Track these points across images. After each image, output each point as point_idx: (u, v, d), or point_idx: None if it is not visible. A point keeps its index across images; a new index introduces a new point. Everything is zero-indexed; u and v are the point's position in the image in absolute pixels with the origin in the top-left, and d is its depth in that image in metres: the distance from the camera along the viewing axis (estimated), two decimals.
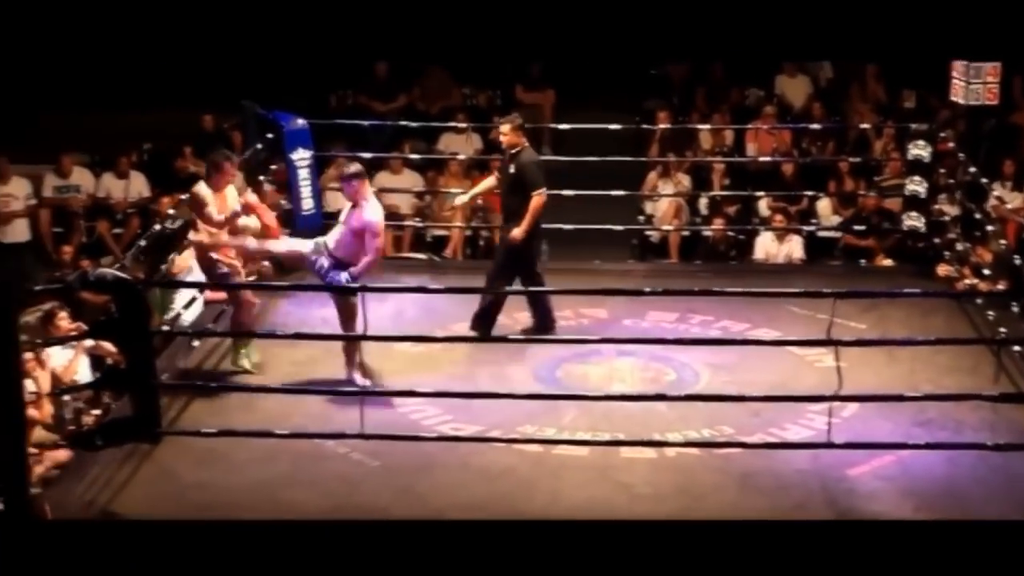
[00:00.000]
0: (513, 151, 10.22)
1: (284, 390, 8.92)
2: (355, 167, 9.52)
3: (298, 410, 8.87)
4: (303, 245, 9.61)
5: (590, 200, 12.34)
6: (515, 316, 10.46)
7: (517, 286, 10.21)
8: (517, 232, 10.07)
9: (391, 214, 13.90)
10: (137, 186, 14.26)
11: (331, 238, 9.43)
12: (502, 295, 10.12)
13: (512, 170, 10.20)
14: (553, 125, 14.38)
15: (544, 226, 10.45)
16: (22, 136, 14.72)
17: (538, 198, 10.06)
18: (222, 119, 13.90)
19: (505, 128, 10.28)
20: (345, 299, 9.21)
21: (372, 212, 9.32)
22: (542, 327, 10.25)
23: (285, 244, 9.88)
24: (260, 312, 10.24)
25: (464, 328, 10.26)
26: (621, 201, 13.08)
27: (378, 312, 9.70)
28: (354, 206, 9.41)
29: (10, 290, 7.90)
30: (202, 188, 9.64)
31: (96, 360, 10.33)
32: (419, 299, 10.65)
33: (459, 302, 10.57)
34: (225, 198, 9.71)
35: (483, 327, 10.13)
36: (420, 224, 13.93)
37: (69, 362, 9.96)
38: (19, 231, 13.76)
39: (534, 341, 10.02)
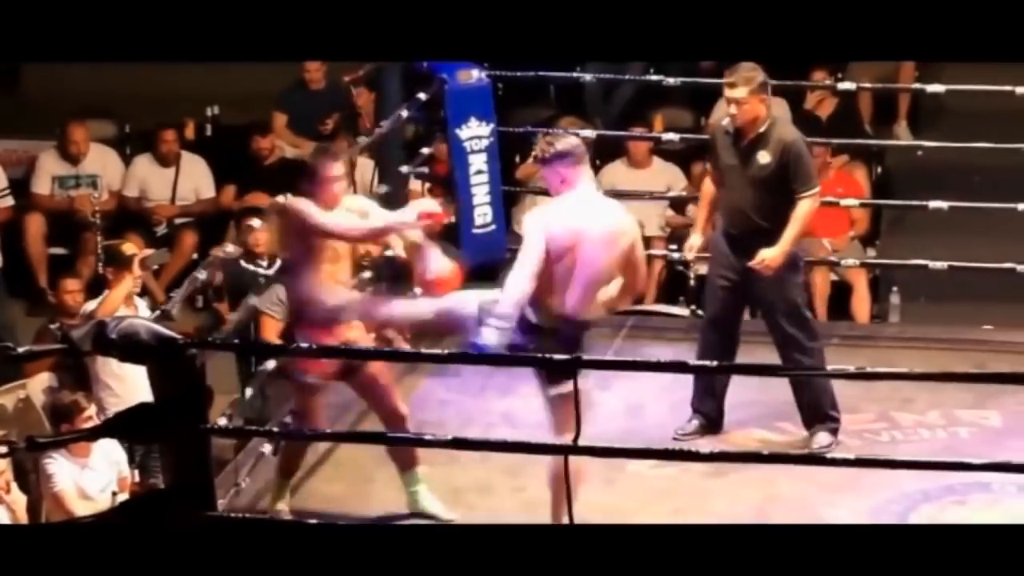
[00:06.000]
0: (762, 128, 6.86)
1: None
2: (567, 143, 6.12)
3: None
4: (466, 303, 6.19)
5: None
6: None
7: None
8: (773, 254, 6.76)
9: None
10: None
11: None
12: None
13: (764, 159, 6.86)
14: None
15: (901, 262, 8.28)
16: None
17: (811, 200, 6.91)
18: (337, 70, 9.50)
19: (740, 93, 6.70)
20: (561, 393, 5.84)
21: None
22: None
23: (434, 304, 6.31)
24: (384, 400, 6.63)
25: (753, 432, 6.98)
26: None
27: (604, 405, 6.48)
28: None
29: None
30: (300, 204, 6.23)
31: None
32: (668, 383, 7.23)
33: (738, 385, 7.11)
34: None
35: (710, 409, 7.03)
36: (676, 253, 9.20)
37: None
38: None
39: (870, 465, 6.09)
